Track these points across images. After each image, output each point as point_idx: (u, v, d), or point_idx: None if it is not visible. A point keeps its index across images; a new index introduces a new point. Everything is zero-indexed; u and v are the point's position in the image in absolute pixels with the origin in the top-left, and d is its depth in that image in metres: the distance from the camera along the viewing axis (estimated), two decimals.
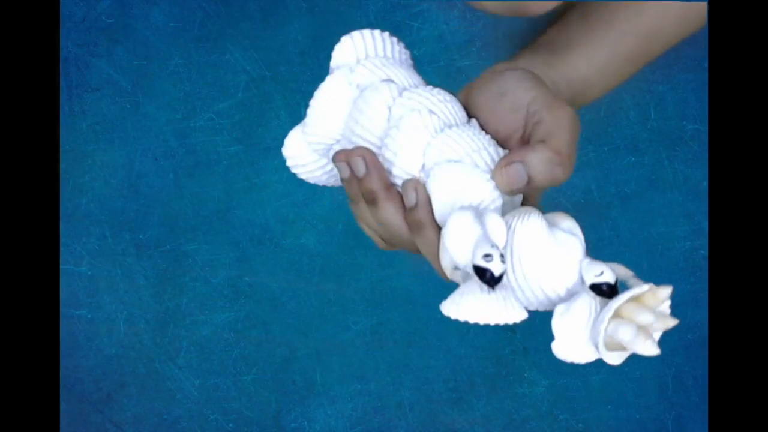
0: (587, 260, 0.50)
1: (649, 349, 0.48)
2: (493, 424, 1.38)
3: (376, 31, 0.58)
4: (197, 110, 1.43)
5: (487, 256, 0.48)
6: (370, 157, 0.54)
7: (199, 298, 1.41)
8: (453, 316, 0.50)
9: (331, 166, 0.58)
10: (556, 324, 0.49)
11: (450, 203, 0.51)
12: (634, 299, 0.48)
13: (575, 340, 0.49)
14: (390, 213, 0.53)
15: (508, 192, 0.51)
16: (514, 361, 1.45)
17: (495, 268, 0.48)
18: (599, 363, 1.54)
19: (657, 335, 0.50)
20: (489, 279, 0.48)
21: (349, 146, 0.55)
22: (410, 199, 0.53)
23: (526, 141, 0.53)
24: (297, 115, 1.45)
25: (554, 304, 0.50)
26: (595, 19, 0.58)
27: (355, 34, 0.57)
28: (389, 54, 0.56)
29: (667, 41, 0.60)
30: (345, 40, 0.56)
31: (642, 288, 0.48)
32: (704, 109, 1.41)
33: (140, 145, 1.43)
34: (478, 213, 0.50)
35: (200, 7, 1.45)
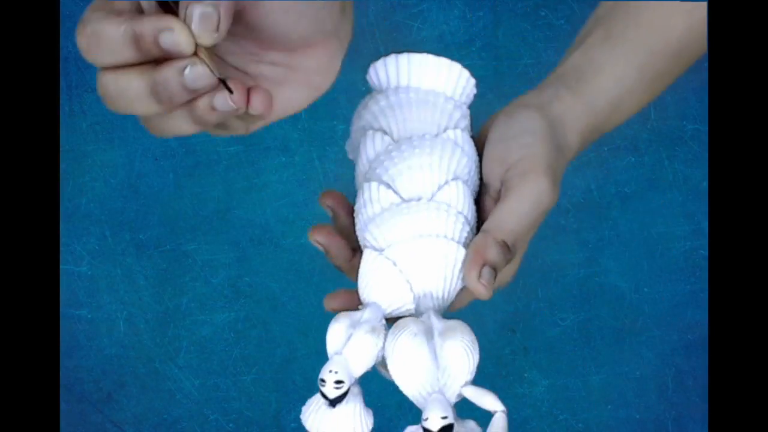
0: (435, 396, 0.53)
1: None
2: None
3: None
4: None
5: (321, 380, 0.52)
6: (324, 236, 0.61)
7: (199, 298, 1.41)
8: (303, 423, 0.53)
9: None
10: None
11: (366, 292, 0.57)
12: None
13: None
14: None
15: (489, 296, 0.54)
16: (514, 361, 1.46)
17: (327, 392, 0.52)
18: (599, 363, 1.54)
19: None
20: (325, 399, 0.52)
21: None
22: (320, 248, 0.60)
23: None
24: (297, 115, 1.45)
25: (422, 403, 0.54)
26: (619, 40, 0.57)
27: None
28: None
29: (694, 56, 0.59)
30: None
31: None
32: (704, 109, 1.41)
33: (140, 145, 1.43)
34: (354, 323, 0.55)
35: None
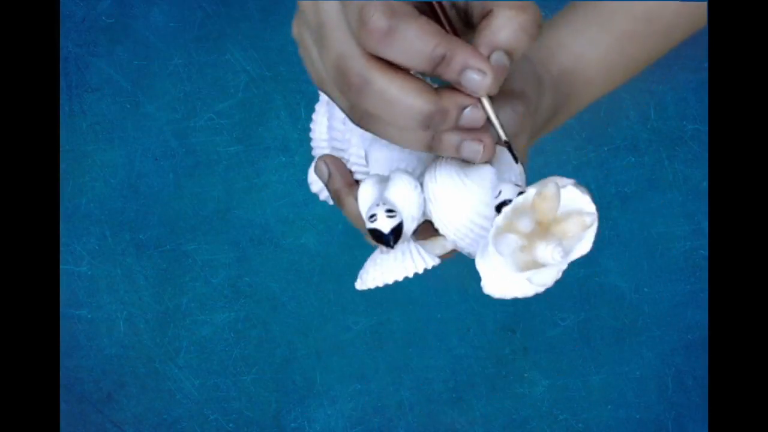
0: (497, 182, 0.48)
1: (547, 255, 0.44)
2: (493, 424, 1.38)
3: None
4: (197, 110, 1.43)
5: (372, 217, 0.47)
6: (331, 159, 0.54)
7: (199, 298, 1.41)
8: (361, 288, 0.49)
9: None
10: (478, 263, 0.47)
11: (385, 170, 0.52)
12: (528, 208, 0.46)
13: (499, 274, 0.47)
14: (353, 208, 0.53)
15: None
16: (514, 361, 1.46)
17: (382, 225, 0.47)
18: (599, 363, 1.55)
19: (589, 234, 0.46)
20: (380, 238, 0.47)
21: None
22: (323, 173, 0.53)
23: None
24: (297, 115, 1.45)
25: (484, 237, 0.48)
26: (581, 8, 0.59)
27: None
28: None
29: (674, 24, 0.59)
30: None
31: (527, 196, 0.44)
32: (704, 109, 1.41)
33: (140, 145, 1.44)
34: (383, 178, 0.50)
35: (200, 7, 1.45)
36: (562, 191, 0.45)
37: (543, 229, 0.45)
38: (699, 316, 1.34)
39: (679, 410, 1.36)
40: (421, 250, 0.49)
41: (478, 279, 0.50)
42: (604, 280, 1.35)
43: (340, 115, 0.54)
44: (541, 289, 0.47)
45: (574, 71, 0.57)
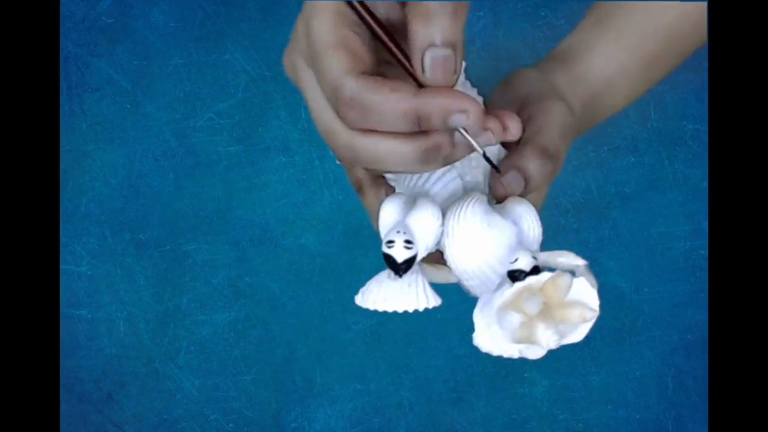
0: (516, 246, 0.48)
1: (544, 340, 0.46)
2: (493, 424, 1.38)
3: None
4: (197, 110, 1.43)
5: (389, 242, 0.47)
6: None
7: (199, 298, 1.41)
8: (359, 304, 0.49)
9: None
10: (475, 315, 0.48)
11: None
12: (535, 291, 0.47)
13: (492, 333, 0.48)
14: (371, 201, 0.53)
15: (503, 199, 0.50)
16: (514, 361, 1.45)
17: (397, 254, 0.47)
18: (599, 363, 1.55)
19: (584, 328, 0.48)
20: (393, 265, 0.47)
21: None
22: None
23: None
24: (297, 115, 1.45)
25: (488, 285, 0.49)
26: (610, 22, 0.58)
27: None
28: None
29: (691, 42, 0.60)
30: None
31: (540, 278, 0.45)
32: (704, 109, 1.41)
33: (140, 145, 1.44)
34: (408, 200, 0.50)
35: (200, 7, 1.45)
36: (574, 280, 0.46)
37: (545, 309, 0.46)
38: (699, 316, 1.34)
39: (679, 410, 1.36)
40: (428, 288, 0.49)
41: None
42: (604, 280, 1.35)
43: None
44: (526, 355, 0.48)
45: (602, 97, 0.58)
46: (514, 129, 0.45)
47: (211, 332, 1.37)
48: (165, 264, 1.37)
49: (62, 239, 1.36)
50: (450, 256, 0.49)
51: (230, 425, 1.36)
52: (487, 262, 0.48)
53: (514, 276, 0.47)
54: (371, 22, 0.43)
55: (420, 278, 0.49)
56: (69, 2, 1.41)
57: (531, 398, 1.35)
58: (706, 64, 0.49)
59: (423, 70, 0.42)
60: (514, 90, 0.55)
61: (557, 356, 1.37)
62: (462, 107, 0.42)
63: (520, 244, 0.49)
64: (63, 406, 1.35)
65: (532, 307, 0.46)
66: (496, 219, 0.48)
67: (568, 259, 0.50)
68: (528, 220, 0.49)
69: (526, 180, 0.49)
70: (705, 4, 0.56)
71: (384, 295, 0.48)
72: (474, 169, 0.52)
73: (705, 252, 1.35)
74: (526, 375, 1.36)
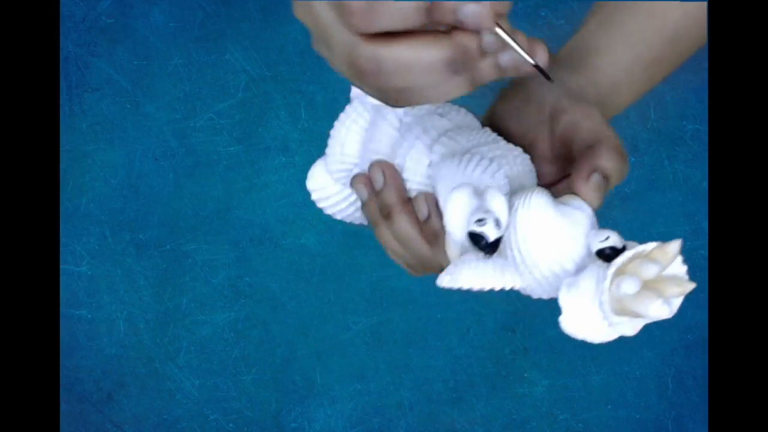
0: (594, 230, 0.48)
1: (658, 309, 0.44)
2: (493, 424, 1.38)
3: None
4: (197, 110, 1.43)
5: (480, 221, 0.47)
6: (389, 169, 0.53)
7: (199, 298, 1.41)
8: (447, 285, 0.48)
9: (355, 197, 0.57)
10: (563, 297, 0.47)
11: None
12: (644, 258, 0.46)
13: (584, 313, 0.47)
14: (405, 225, 0.52)
15: (598, 206, 0.50)
16: (514, 361, 1.46)
17: (489, 232, 0.47)
18: (599, 363, 1.55)
19: (676, 302, 0.47)
20: (484, 245, 0.47)
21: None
22: (422, 212, 0.52)
23: (556, 142, 0.53)
24: (297, 115, 1.45)
25: (553, 280, 0.49)
26: (614, 24, 0.58)
27: None
28: None
29: (693, 42, 0.59)
30: None
31: (647, 246, 0.45)
32: (704, 109, 1.41)
33: (140, 145, 1.44)
34: (478, 191, 0.49)
35: (200, 7, 1.45)
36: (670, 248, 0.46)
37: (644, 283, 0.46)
38: (699, 316, 1.34)
39: (679, 410, 1.36)
40: (512, 269, 0.48)
41: None
42: None
43: (387, 131, 0.53)
44: (615, 336, 0.47)
45: (609, 99, 0.57)
46: (540, 52, 0.44)
47: (211, 332, 1.37)
48: (165, 264, 1.37)
49: (62, 239, 1.36)
50: (520, 251, 0.48)
51: (230, 425, 1.36)
52: (562, 253, 0.48)
53: (605, 254, 0.46)
54: None
55: (504, 261, 0.48)
56: (69, 2, 1.41)
57: (531, 398, 1.35)
58: (706, 64, 0.50)
59: None
60: (535, 98, 0.54)
61: (557, 356, 1.37)
62: None
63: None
64: (63, 406, 1.35)
65: (650, 270, 0.45)
66: (567, 210, 0.48)
67: (679, 240, 0.49)
68: (588, 207, 0.49)
69: (608, 181, 0.49)
70: (706, 4, 0.56)
71: (476, 273, 0.47)
72: (516, 158, 0.52)
73: (705, 252, 1.35)
74: (526, 375, 1.36)
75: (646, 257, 0.46)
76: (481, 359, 1.36)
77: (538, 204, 0.48)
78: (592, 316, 0.47)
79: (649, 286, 0.45)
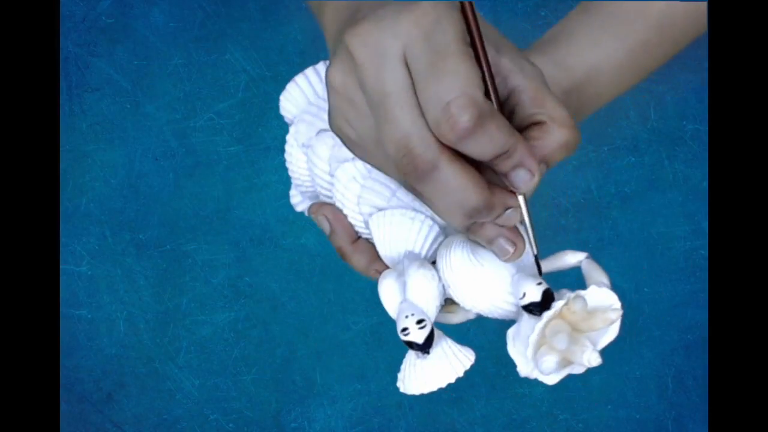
0: (516, 276, 0.49)
1: (591, 360, 0.48)
2: (493, 424, 1.38)
3: (315, 68, 0.56)
4: (197, 110, 1.43)
5: (404, 330, 0.48)
6: (332, 214, 0.54)
7: (199, 298, 1.41)
8: (404, 392, 0.50)
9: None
10: (510, 348, 0.50)
11: (387, 248, 0.52)
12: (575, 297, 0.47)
13: (529, 361, 0.49)
14: (360, 264, 0.53)
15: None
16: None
17: (415, 338, 0.48)
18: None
19: (616, 325, 0.49)
20: (417, 348, 0.48)
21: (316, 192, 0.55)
22: (324, 227, 0.54)
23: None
24: None
25: (510, 313, 0.50)
26: (597, 9, 0.58)
27: (299, 78, 0.55)
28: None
29: (685, 31, 0.59)
30: (290, 87, 0.55)
31: (556, 309, 0.46)
32: (704, 109, 1.41)
33: (140, 145, 1.44)
34: (400, 272, 0.51)
35: (200, 7, 1.45)
36: (584, 293, 0.47)
37: (573, 329, 0.47)
38: (699, 316, 1.34)
39: (679, 410, 1.36)
40: (457, 349, 0.50)
41: None
42: None
43: (323, 165, 0.54)
44: (565, 375, 0.51)
45: (587, 84, 0.57)
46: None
47: (211, 332, 1.37)
48: (165, 264, 1.37)
49: (62, 239, 1.36)
50: (461, 302, 0.50)
51: (230, 425, 1.36)
52: (497, 295, 0.49)
53: (529, 310, 0.47)
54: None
55: (446, 343, 0.50)
56: (69, 2, 1.41)
57: (531, 398, 1.35)
58: (706, 64, 0.49)
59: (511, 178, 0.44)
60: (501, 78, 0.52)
61: None
62: (533, 169, 0.44)
63: (519, 268, 0.49)
64: (63, 406, 1.35)
65: (561, 342, 0.47)
66: (485, 254, 0.49)
67: (568, 258, 0.51)
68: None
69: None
70: None
71: (424, 377, 0.49)
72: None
73: (705, 252, 1.35)
74: None
75: (559, 315, 0.47)
76: (481, 359, 1.35)
77: (458, 262, 0.49)
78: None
79: (578, 329, 0.48)
